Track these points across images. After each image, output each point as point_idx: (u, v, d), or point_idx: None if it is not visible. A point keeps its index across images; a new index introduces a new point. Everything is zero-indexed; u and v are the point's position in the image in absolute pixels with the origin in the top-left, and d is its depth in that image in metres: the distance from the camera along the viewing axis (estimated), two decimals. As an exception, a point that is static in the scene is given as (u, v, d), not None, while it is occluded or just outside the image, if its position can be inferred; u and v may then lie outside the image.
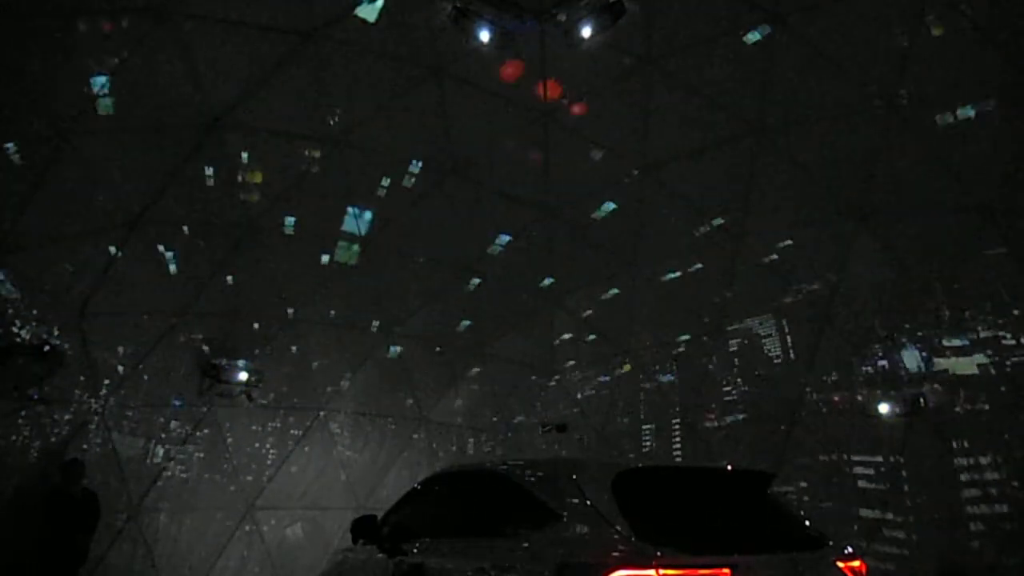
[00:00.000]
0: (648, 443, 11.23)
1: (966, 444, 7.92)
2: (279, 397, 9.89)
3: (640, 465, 3.59)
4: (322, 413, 10.12)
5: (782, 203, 8.72)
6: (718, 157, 8.60)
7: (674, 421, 10.93)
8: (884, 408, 8.18)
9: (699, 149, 8.63)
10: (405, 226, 9.51)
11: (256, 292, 9.32)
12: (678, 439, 10.80)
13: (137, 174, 7.66)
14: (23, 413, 7.67)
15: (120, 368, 8.45)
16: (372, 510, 5.20)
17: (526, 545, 3.19)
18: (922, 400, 7.99)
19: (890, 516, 8.36)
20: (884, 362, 8.51)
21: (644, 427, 11.33)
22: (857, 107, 7.55)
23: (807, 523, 3.50)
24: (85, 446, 8.09)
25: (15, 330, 7.40)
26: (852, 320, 8.81)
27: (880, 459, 8.60)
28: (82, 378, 8.07)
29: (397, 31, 7.48)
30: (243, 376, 8.94)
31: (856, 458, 8.86)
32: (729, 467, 3.43)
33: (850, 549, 3.30)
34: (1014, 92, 6.75)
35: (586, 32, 7.01)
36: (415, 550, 4.07)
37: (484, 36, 7.02)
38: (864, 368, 8.66)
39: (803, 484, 9.22)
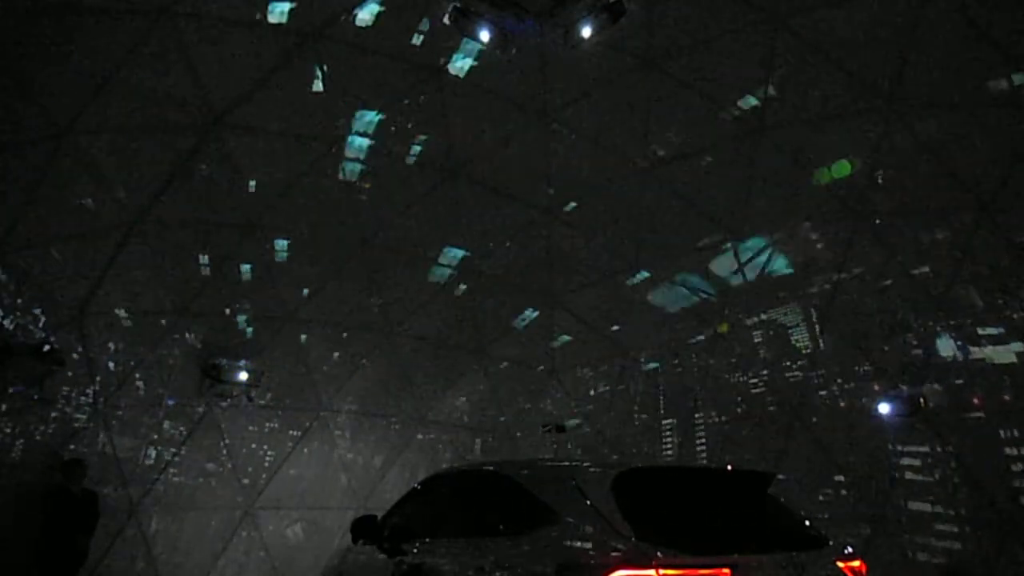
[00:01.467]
0: (669, 440, 10.89)
1: (1015, 433, 7.62)
2: (279, 397, 9.89)
3: (640, 465, 3.60)
4: (322, 413, 10.12)
5: (782, 203, 8.73)
6: (718, 157, 8.60)
7: (696, 416, 10.57)
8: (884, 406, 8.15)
9: (699, 149, 8.62)
10: (405, 226, 9.52)
11: (256, 292, 9.32)
12: (702, 435, 10.46)
13: (137, 174, 7.66)
14: (23, 413, 7.67)
15: (120, 368, 8.44)
16: (372, 510, 5.20)
17: (526, 545, 3.20)
18: (921, 398, 7.97)
19: (940, 510, 8.00)
20: (919, 351, 8.24)
21: (664, 422, 10.99)
22: (857, 107, 7.54)
23: (807, 523, 3.51)
24: (84, 446, 8.09)
25: (14, 330, 7.40)
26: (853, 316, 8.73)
27: (927, 449, 8.19)
28: (82, 378, 8.07)
29: (397, 31, 7.48)
30: (243, 376, 8.94)
31: (903, 448, 8.38)
32: (729, 467, 3.43)
33: (850, 549, 3.30)
34: (1013, 92, 6.74)
35: (586, 32, 7.01)
36: (415, 550, 4.08)
37: (484, 36, 7.03)
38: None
39: (840, 478, 8.81)
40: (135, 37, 6.55)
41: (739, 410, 9.97)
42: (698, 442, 10.47)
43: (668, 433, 10.97)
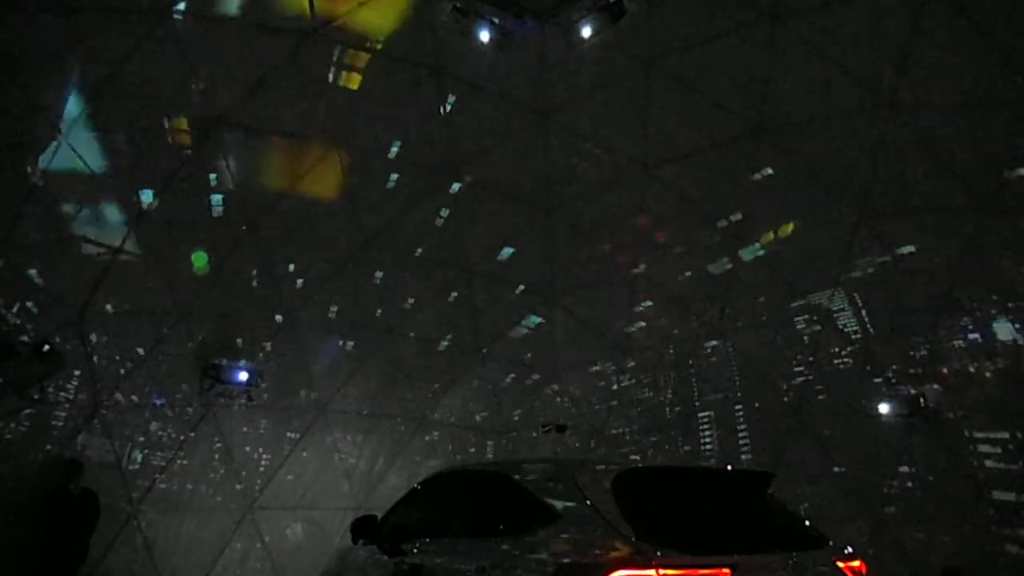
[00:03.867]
0: (708, 433, 10.54)
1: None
2: (279, 397, 9.88)
3: (640, 465, 3.60)
4: (322, 413, 10.11)
5: (782, 203, 8.73)
6: (718, 157, 8.60)
7: (736, 408, 10.22)
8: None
9: (699, 149, 8.63)
10: (405, 226, 9.52)
11: (256, 292, 9.31)
12: (744, 428, 10.05)
13: (137, 174, 7.65)
14: (23, 413, 7.66)
15: (120, 368, 8.43)
16: (372, 510, 5.20)
17: (526, 545, 3.19)
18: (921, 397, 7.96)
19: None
20: (976, 335, 8.00)
21: (701, 415, 10.67)
22: (857, 107, 7.54)
23: (807, 523, 3.51)
24: (83, 446, 8.07)
25: (14, 330, 7.40)
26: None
27: (1007, 435, 7.82)
28: (82, 378, 8.06)
29: (397, 31, 7.48)
30: (243, 376, 8.92)
31: (979, 435, 7.95)
32: (729, 467, 3.43)
33: (850, 549, 3.30)
34: (1013, 92, 6.74)
35: (586, 32, 7.02)
36: (415, 550, 4.08)
37: (484, 36, 7.04)
38: (954, 343, 8.18)
39: (946, 464, 8.23)
40: (135, 37, 6.55)
41: (785, 399, 9.62)
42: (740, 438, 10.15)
43: (706, 427, 10.64)
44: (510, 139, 8.84)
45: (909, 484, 8.41)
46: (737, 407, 10.22)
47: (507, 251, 10.26)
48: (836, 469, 8.96)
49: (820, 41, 7.17)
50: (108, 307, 8.08)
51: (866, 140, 7.74)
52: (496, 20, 7.01)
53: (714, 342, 10.42)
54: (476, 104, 8.36)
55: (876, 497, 8.46)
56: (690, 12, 7.36)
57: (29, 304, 7.61)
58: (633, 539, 2.81)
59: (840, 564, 3.14)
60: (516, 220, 9.87)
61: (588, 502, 3.11)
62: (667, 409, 11.12)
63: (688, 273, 10.22)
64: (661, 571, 2.63)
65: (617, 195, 9.51)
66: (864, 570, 3.21)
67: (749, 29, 7.32)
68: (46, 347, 7.27)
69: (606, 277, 10.62)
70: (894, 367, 8.54)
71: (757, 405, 10.02)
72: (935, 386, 8.11)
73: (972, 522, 7.72)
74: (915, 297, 8.29)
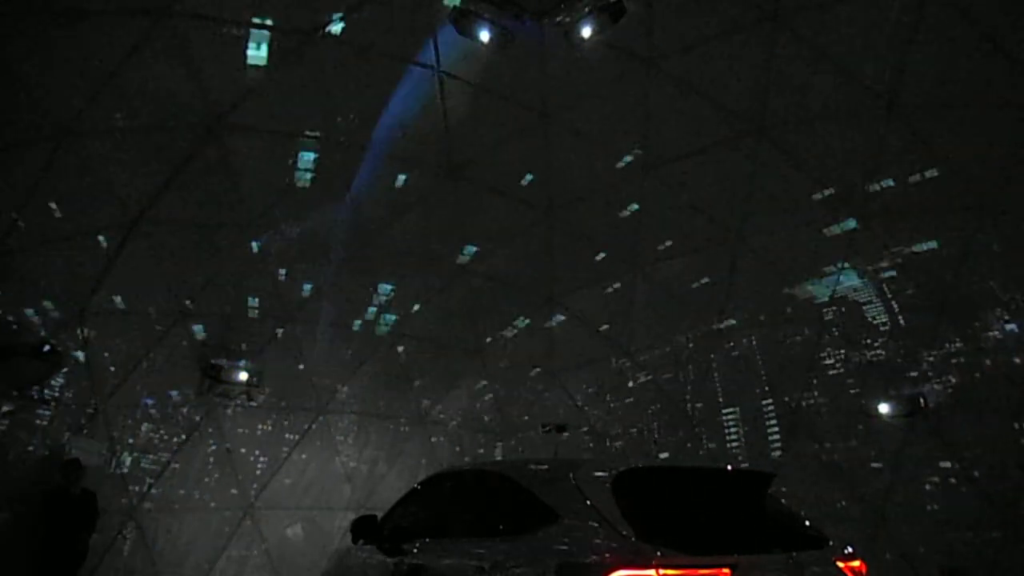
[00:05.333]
0: (734, 430, 10.27)
1: None
2: (279, 397, 9.88)
3: (640, 465, 3.59)
4: (322, 414, 10.11)
5: (782, 203, 8.73)
6: (718, 157, 8.60)
7: (765, 403, 9.88)
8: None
9: (699, 149, 8.63)
10: (405, 226, 9.52)
11: (256, 292, 9.31)
12: (774, 426, 9.74)
13: (137, 174, 7.65)
14: (23, 413, 7.66)
15: (119, 368, 8.43)
16: (372, 510, 5.20)
17: (526, 545, 3.20)
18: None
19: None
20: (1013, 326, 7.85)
21: (725, 411, 10.41)
22: (857, 107, 7.54)
23: (807, 523, 3.51)
24: (84, 446, 8.07)
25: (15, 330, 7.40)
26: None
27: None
28: (82, 378, 8.06)
29: (398, 31, 7.48)
30: (243, 376, 8.93)
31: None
32: (729, 467, 3.42)
33: (850, 549, 3.30)
34: (1014, 92, 6.74)
35: (586, 32, 7.01)
36: (415, 550, 4.08)
37: (484, 36, 7.03)
38: (992, 334, 8.02)
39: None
40: (135, 37, 6.54)
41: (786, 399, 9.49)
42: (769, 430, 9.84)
43: (732, 425, 10.36)
44: (510, 139, 8.83)
45: (910, 484, 8.41)
46: (767, 402, 9.95)
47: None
48: (836, 469, 8.96)
49: (820, 41, 7.17)
50: (108, 307, 8.09)
51: (865, 140, 7.74)
52: (496, 20, 6.99)
53: (729, 341, 10.35)
54: (476, 104, 8.35)
55: (876, 497, 8.46)
56: (690, 12, 7.35)
57: (29, 304, 7.61)
58: (633, 539, 2.81)
59: (840, 564, 3.14)
60: (516, 220, 9.86)
61: (588, 502, 3.11)
62: (688, 406, 10.89)
63: (689, 273, 10.21)
64: (661, 571, 2.63)
65: (617, 195, 9.51)
66: (864, 570, 3.22)
67: (749, 29, 7.31)
68: (46, 347, 7.28)
69: (607, 277, 10.61)
70: (894, 367, 8.54)
71: (770, 402, 9.88)
72: (935, 386, 8.11)
73: (972, 522, 7.73)
74: (915, 297, 8.30)
